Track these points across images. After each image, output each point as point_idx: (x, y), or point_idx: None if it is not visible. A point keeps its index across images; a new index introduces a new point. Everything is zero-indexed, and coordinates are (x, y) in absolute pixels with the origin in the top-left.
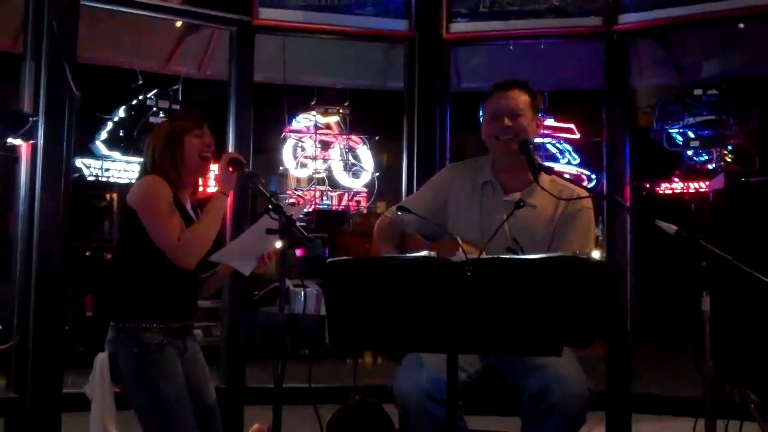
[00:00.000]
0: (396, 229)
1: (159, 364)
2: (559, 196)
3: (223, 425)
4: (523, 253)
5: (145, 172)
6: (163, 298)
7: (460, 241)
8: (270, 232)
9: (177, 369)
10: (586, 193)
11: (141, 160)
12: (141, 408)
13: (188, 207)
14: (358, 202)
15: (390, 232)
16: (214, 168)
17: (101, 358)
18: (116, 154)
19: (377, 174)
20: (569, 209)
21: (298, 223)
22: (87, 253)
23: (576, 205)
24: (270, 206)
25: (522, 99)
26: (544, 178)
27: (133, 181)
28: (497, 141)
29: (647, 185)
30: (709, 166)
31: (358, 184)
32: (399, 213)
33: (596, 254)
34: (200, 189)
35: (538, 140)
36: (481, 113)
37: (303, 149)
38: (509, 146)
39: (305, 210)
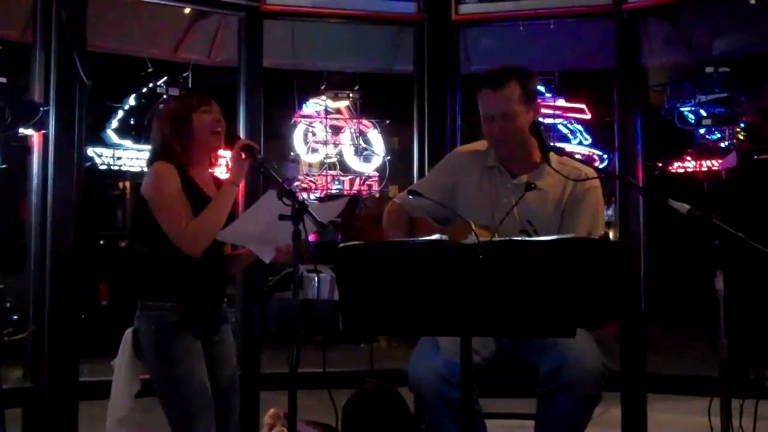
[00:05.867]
0: (404, 215)
1: (176, 343)
2: (567, 177)
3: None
4: (537, 236)
5: (155, 155)
6: (182, 279)
7: (473, 225)
8: (282, 218)
9: (194, 349)
10: (594, 174)
11: (150, 146)
12: (159, 384)
13: (205, 183)
14: (370, 186)
15: (399, 220)
16: (225, 154)
17: (128, 333)
18: (127, 143)
19: (388, 158)
20: (577, 190)
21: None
22: (101, 242)
23: (584, 185)
24: (282, 191)
25: (512, 97)
26: (553, 158)
27: (146, 169)
28: (493, 141)
29: (659, 164)
30: (722, 144)
31: (370, 168)
32: (410, 197)
33: (609, 234)
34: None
35: (548, 121)
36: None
37: (314, 134)
38: (503, 148)
39: (318, 195)
